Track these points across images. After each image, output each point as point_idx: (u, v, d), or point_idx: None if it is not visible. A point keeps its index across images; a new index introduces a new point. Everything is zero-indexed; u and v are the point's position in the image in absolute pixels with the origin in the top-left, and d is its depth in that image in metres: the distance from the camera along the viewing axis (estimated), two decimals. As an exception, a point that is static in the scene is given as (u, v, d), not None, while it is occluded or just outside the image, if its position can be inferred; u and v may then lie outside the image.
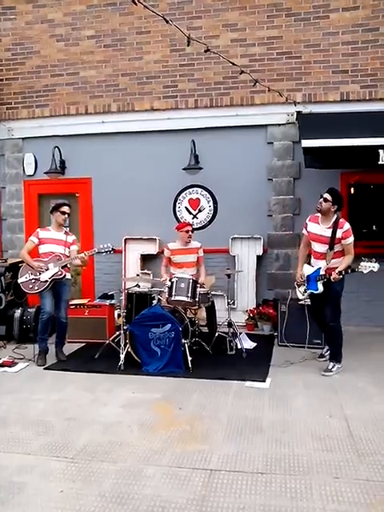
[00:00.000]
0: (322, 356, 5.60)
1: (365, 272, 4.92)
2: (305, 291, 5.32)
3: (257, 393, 4.63)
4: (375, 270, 4.89)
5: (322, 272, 5.10)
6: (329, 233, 5.05)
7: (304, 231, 5.40)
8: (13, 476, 3.18)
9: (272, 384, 4.87)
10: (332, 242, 5.02)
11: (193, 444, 3.59)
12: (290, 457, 3.39)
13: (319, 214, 5.18)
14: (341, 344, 5.20)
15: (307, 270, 5.30)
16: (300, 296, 5.46)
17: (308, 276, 5.26)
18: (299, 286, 5.40)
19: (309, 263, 5.35)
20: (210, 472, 3.20)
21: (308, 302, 5.70)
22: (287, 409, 4.24)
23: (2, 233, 8.23)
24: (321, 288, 5.11)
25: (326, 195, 5.06)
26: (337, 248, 5.06)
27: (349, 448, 3.50)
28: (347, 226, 5.04)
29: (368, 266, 4.90)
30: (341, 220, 5.09)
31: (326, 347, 5.61)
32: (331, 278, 4.96)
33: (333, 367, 5.14)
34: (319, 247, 5.15)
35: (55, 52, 7.69)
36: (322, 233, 5.11)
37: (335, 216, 5.12)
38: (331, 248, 5.04)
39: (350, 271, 4.97)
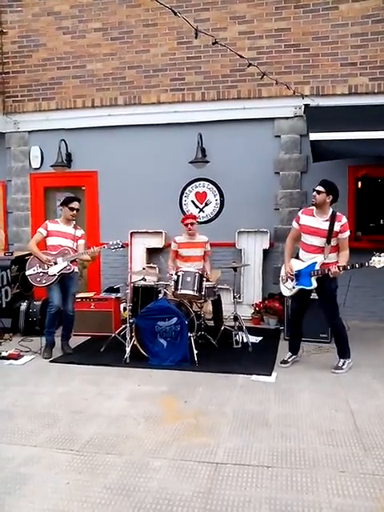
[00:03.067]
0: (285, 362, 5.27)
1: (378, 267, 4.69)
2: (293, 287, 5.08)
3: (262, 387, 4.62)
4: None
5: (317, 267, 4.90)
6: (326, 226, 4.88)
7: (295, 225, 5.14)
8: (19, 467, 3.19)
9: (278, 378, 4.86)
10: (329, 235, 4.86)
11: (199, 437, 3.59)
12: (296, 451, 3.38)
13: (313, 207, 5.01)
14: (346, 338, 5.09)
15: (297, 264, 5.08)
16: (287, 292, 5.23)
17: (299, 271, 5.03)
18: (285, 281, 5.18)
19: (297, 258, 5.16)
20: (215, 465, 3.20)
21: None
22: (293, 403, 4.23)
23: (7, 226, 8.24)
24: (315, 284, 4.91)
25: (319, 187, 4.90)
26: (333, 242, 4.89)
27: (355, 442, 3.49)
28: (345, 219, 4.92)
29: (382, 261, 4.69)
30: (338, 214, 4.94)
31: (289, 353, 5.35)
32: (330, 272, 4.79)
33: (343, 364, 5.02)
34: (316, 241, 4.94)
35: (62, 45, 7.67)
36: (318, 225, 4.93)
37: (331, 209, 4.96)
38: (329, 241, 4.86)
39: (358, 266, 4.78)
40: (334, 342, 5.25)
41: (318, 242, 4.93)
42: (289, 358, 5.31)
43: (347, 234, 4.92)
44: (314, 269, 4.91)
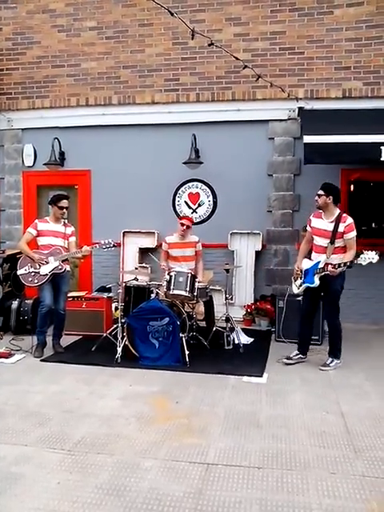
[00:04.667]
0: (289, 358, 5.37)
1: (363, 264, 4.86)
2: (301, 285, 5.30)
3: (254, 388, 4.64)
4: (374, 261, 4.82)
5: (320, 265, 5.06)
6: (331, 227, 5.05)
7: (308, 228, 5.38)
8: (10, 467, 3.18)
9: (269, 379, 4.87)
10: (333, 235, 5.02)
11: (190, 438, 3.60)
12: (287, 452, 3.39)
13: (321, 210, 5.22)
14: (340, 340, 5.22)
15: (306, 264, 5.28)
16: (295, 290, 5.43)
17: (306, 270, 5.24)
18: (296, 279, 5.39)
19: (309, 258, 5.33)
20: (206, 466, 3.21)
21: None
22: (284, 404, 4.25)
23: (0, 224, 8.20)
24: (317, 282, 5.07)
25: (319, 191, 5.12)
26: (338, 243, 5.04)
27: (345, 444, 3.51)
28: (350, 220, 5.04)
29: (367, 258, 4.83)
30: (344, 215, 5.10)
31: (296, 351, 5.43)
32: (328, 271, 4.93)
33: (331, 362, 5.18)
34: (321, 241, 5.13)
35: (56, 43, 7.64)
36: (324, 227, 5.12)
37: (337, 210, 5.13)
38: (332, 242, 5.02)
39: (349, 264, 4.90)
40: (328, 341, 5.36)
41: (323, 242, 5.12)
42: (295, 355, 5.38)
43: (352, 234, 5.04)
44: (318, 267, 5.08)
